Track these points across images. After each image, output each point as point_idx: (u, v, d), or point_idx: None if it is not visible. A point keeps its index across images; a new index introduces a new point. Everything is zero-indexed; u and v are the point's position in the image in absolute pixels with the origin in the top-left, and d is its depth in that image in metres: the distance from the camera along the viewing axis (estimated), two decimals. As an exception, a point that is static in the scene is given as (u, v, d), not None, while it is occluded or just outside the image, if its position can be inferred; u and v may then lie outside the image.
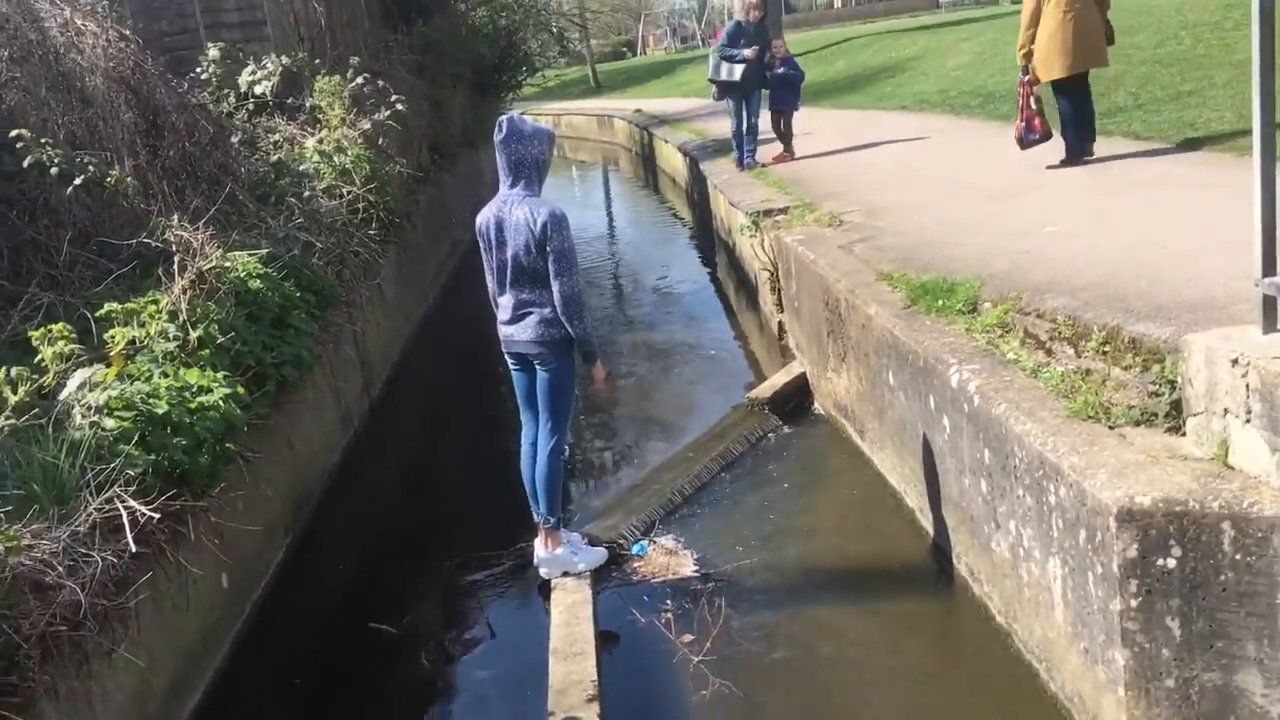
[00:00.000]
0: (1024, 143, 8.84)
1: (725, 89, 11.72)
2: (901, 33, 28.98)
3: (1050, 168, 8.57)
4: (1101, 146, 8.97)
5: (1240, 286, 3.78)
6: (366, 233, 8.60)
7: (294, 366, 6.19)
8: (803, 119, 12.92)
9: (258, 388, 5.67)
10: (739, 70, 11.27)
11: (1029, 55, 8.45)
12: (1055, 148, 8.74)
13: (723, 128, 17.65)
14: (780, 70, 11.76)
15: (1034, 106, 8.62)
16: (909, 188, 9.05)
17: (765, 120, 12.19)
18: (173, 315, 5.28)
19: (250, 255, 6.38)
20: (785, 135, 12.27)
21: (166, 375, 4.84)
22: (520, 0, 23.79)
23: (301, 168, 8.69)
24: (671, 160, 18.98)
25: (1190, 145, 8.48)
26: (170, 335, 5.17)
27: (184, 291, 5.43)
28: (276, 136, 9.42)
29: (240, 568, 5.08)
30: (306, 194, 8.21)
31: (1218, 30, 13.52)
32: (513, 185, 4.75)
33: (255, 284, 6.18)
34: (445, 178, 14.52)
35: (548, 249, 4.65)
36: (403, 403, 8.85)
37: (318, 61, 10.67)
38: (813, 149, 12.66)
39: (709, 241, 13.35)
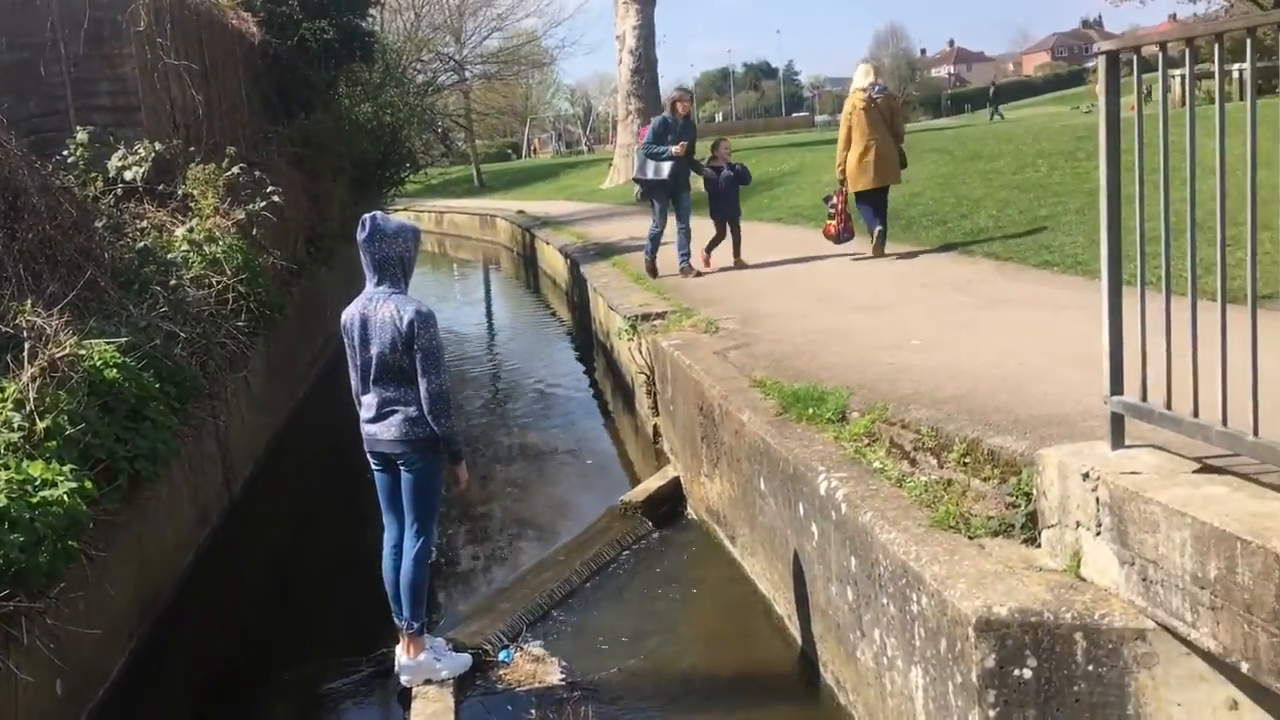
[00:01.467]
0: (838, 239, 11.05)
1: (651, 188, 11.18)
2: (779, 148, 30.05)
3: (858, 259, 10.72)
4: (968, 266, 9.39)
5: (1091, 403, 3.94)
6: (235, 324, 8.38)
7: (148, 461, 5.92)
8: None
9: (108, 482, 5.40)
10: (666, 168, 10.74)
11: (844, 172, 10.70)
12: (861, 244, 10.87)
13: (604, 231, 17.97)
14: (729, 173, 11.20)
15: (846, 211, 10.92)
16: (784, 297, 9.26)
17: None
18: (19, 404, 5.02)
19: (108, 343, 6.14)
20: (737, 241, 11.32)
21: (7, 467, 4.58)
22: (405, 99, 23.91)
23: (169, 256, 8.46)
24: (553, 262, 19.12)
25: (1046, 266, 8.91)
26: (15, 425, 4.90)
27: (33, 379, 5.18)
28: (144, 223, 9.17)
29: (77, 674, 4.76)
30: (173, 283, 7.97)
31: (1071, 159, 14.37)
32: (378, 283, 4.71)
33: (111, 373, 5.93)
34: (321, 271, 14.32)
35: (415, 346, 4.59)
36: (265, 501, 8.53)
37: (193, 149, 10.49)
38: (696, 256, 12.88)
39: (588, 343, 13.41)
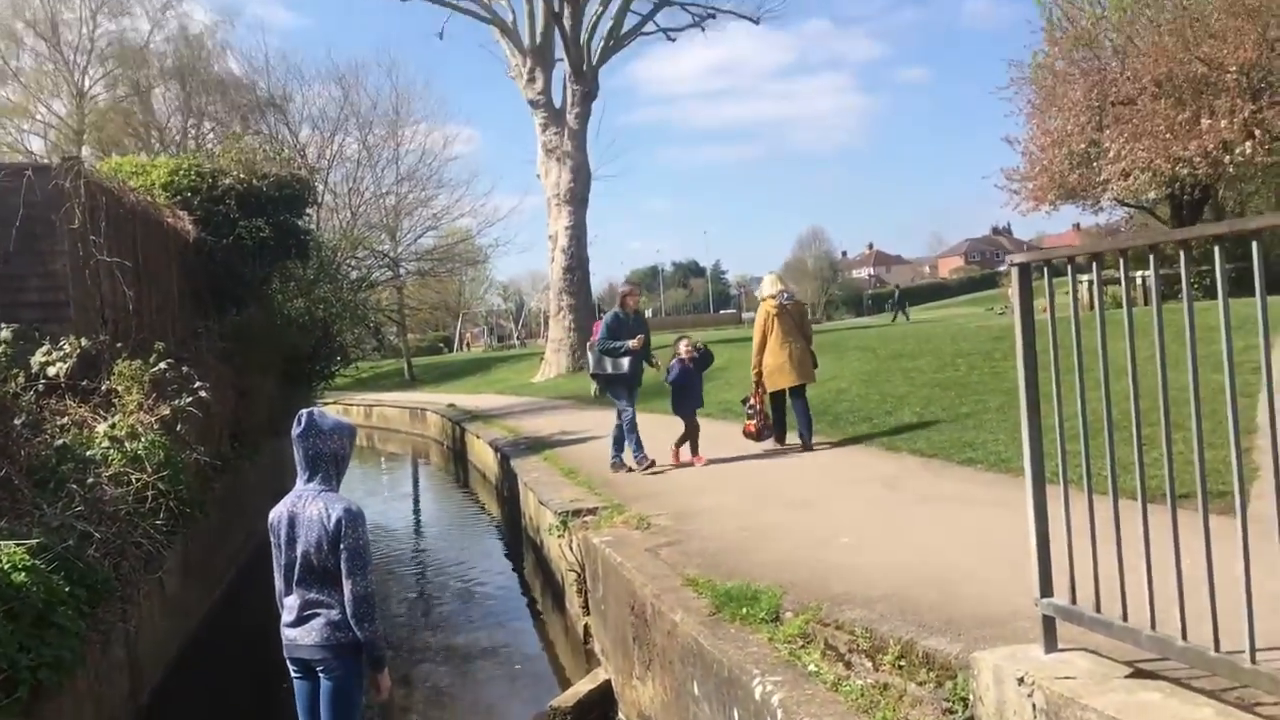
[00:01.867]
0: (758, 437, 11.56)
1: (609, 383, 11.12)
2: (708, 344, 30.58)
3: (786, 454, 11.22)
4: (895, 463, 9.53)
5: (1022, 603, 3.95)
6: (153, 522, 8.12)
7: (52, 670, 5.60)
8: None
9: (7, 693, 5.09)
10: (626, 362, 10.81)
11: (759, 373, 11.42)
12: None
13: (536, 425, 17.99)
14: (692, 363, 11.15)
15: (764, 410, 11.52)
16: (717, 493, 9.27)
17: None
18: (-84, 612, 4.76)
19: (18, 545, 5.90)
20: (695, 436, 11.10)
21: (-103, 681, 4.30)
22: (339, 294, 24.14)
23: (89, 453, 8.26)
24: (483, 456, 19.01)
25: (970, 463, 9.07)
26: (-91, 635, 4.64)
27: (-67, 585, 4.93)
28: (65, 419, 8.98)
29: None
30: (90, 480, 7.75)
31: (989, 359, 14.86)
32: (309, 480, 4.64)
33: (19, 577, 5.67)
34: (246, 465, 14.06)
35: (340, 546, 4.49)
36: (175, 711, 8.09)
37: (120, 344, 10.40)
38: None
39: (517, 539, 13.21)
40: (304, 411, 4.71)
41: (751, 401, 11.56)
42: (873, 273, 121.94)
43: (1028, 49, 31.21)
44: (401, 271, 44.22)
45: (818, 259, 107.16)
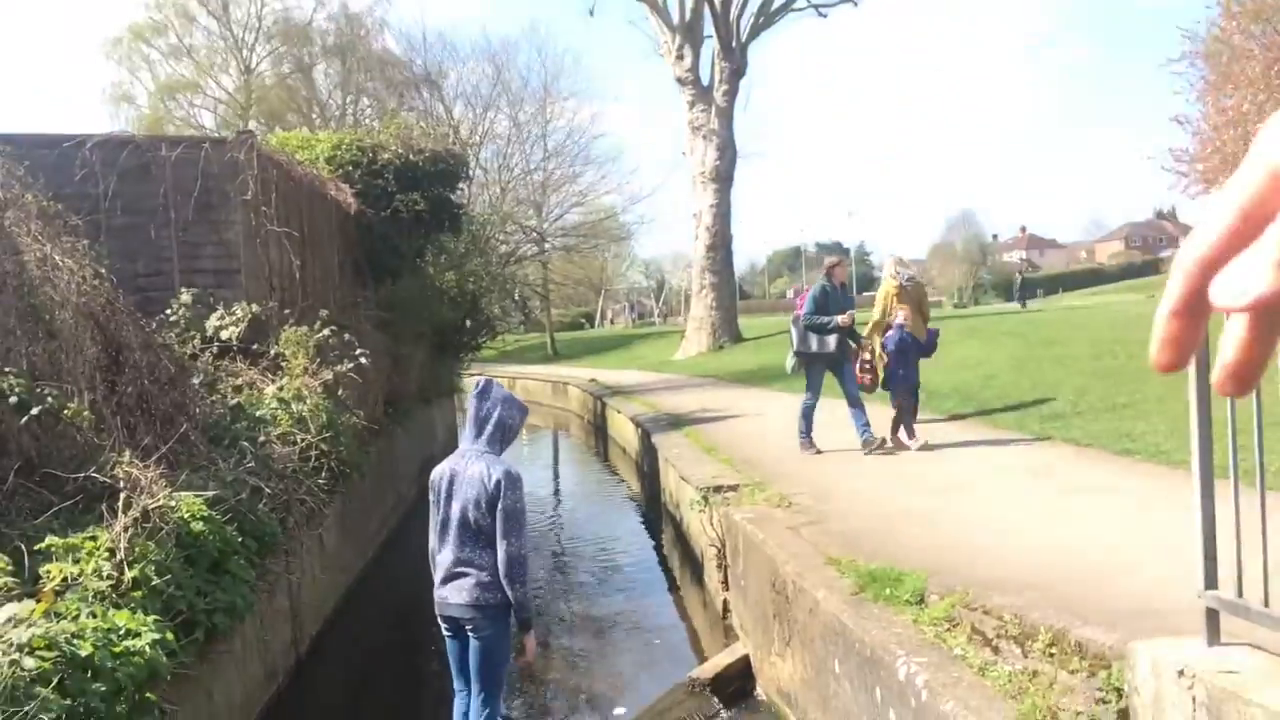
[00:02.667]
0: (871, 389, 11.25)
1: (812, 361, 10.52)
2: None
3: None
4: (1046, 451, 9.32)
5: (1181, 595, 3.85)
6: (315, 481, 8.55)
7: (226, 615, 5.99)
8: (754, 399, 13.18)
9: (186, 634, 5.46)
10: (832, 340, 10.25)
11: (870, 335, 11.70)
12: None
13: (676, 402, 18.12)
14: (910, 340, 10.52)
15: (874, 365, 11.32)
16: (857, 475, 9.22)
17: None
18: (110, 553, 5.15)
19: (196, 496, 6.31)
20: (911, 417, 10.57)
21: (95, 615, 4.67)
22: (488, 268, 24.71)
23: (259, 413, 8.72)
24: (623, 430, 19.25)
25: (1128, 454, 8.78)
26: (105, 574, 5.02)
27: (125, 530, 5.32)
28: (238, 380, 9.50)
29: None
30: (261, 439, 8.20)
31: (1147, 348, 14.26)
32: (475, 439, 4.82)
33: (198, 526, 6.07)
34: (398, 431, 14.59)
35: (499, 506, 4.66)
36: (331, 660, 8.51)
37: (287, 311, 10.93)
38: (767, 429, 12.94)
39: (656, 514, 13.37)
40: (484, 377, 4.95)
41: (865, 357, 11.16)
42: (1025, 257, 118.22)
43: (1200, 25, 29.54)
44: (547, 247, 44.97)
45: (967, 242, 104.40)
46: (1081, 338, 16.97)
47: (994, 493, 7.79)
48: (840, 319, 10.21)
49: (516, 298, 30.04)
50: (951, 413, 12.67)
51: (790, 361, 10.87)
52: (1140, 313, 22.21)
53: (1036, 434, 10.41)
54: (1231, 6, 28.14)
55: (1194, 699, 3.12)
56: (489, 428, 4.82)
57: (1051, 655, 4.14)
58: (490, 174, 40.20)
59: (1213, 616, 3.34)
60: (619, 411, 20.04)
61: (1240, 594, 3.22)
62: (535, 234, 42.89)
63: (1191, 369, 3.39)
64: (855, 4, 33.59)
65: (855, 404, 10.33)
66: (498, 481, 4.66)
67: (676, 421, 15.06)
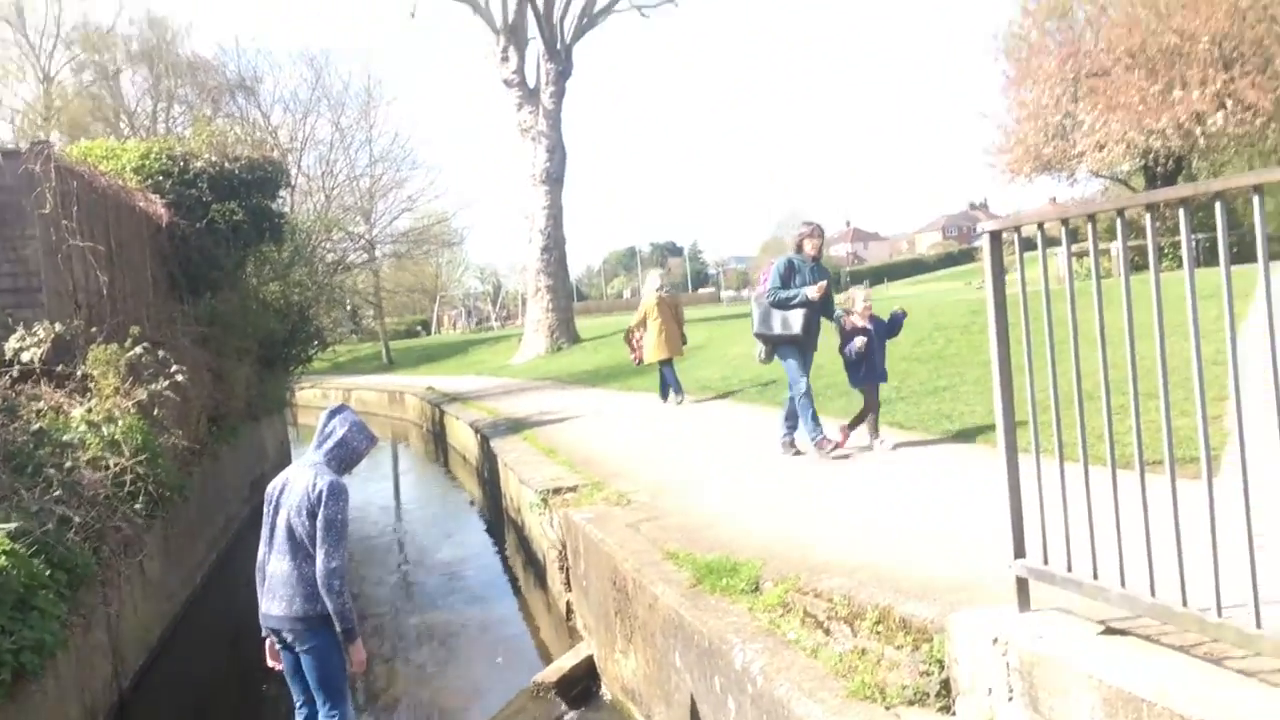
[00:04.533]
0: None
1: (779, 344, 9.18)
2: (687, 322, 30.66)
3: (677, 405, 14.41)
4: (867, 435, 9.59)
5: (998, 567, 4.00)
6: (132, 507, 8.11)
7: (34, 652, 5.61)
8: (593, 400, 13.17)
9: (-11, 678, 5.09)
10: (798, 319, 8.95)
11: (629, 338, 15.72)
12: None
13: (514, 406, 18.00)
14: (876, 327, 9.17)
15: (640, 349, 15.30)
16: (695, 467, 9.32)
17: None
18: (-105, 597, 4.75)
19: (-4, 530, 5.89)
20: (875, 413, 9.27)
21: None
22: (314, 278, 24.03)
23: (65, 438, 8.22)
24: (462, 437, 19.01)
25: (947, 435, 9.14)
26: (-112, 620, 4.63)
27: (-88, 571, 4.92)
28: (41, 404, 8.93)
29: None
30: (69, 465, 7.73)
31: (966, 333, 14.95)
32: (315, 451, 4.81)
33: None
34: (224, 450, 14.01)
35: (319, 515, 4.61)
36: (159, 693, 8.09)
37: (94, 330, 10.34)
38: (605, 429, 12.98)
39: (499, 519, 13.24)
40: (341, 403, 5.01)
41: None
42: (850, 250, 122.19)
43: (1004, 22, 31.14)
44: (377, 254, 44.02)
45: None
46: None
47: (826, 477, 7.98)
48: (810, 291, 8.90)
49: (347, 307, 29.26)
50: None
51: (758, 350, 9.53)
52: (958, 300, 23.22)
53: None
54: (1028, 4, 29.75)
55: (1008, 665, 3.25)
56: (330, 443, 4.84)
57: (879, 633, 4.25)
58: (314, 180, 39.07)
59: (1023, 585, 3.49)
60: (457, 418, 19.78)
61: (1046, 561, 3.36)
62: (364, 241, 41.92)
63: (993, 344, 3.52)
64: (675, 4, 34.08)
65: (806, 398, 9.10)
66: (320, 491, 4.64)
67: (516, 425, 14.95)
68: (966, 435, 8.93)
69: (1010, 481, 3.50)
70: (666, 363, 14.97)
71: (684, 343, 15.39)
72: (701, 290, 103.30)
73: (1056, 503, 3.30)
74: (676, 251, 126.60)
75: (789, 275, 9.07)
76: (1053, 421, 3.37)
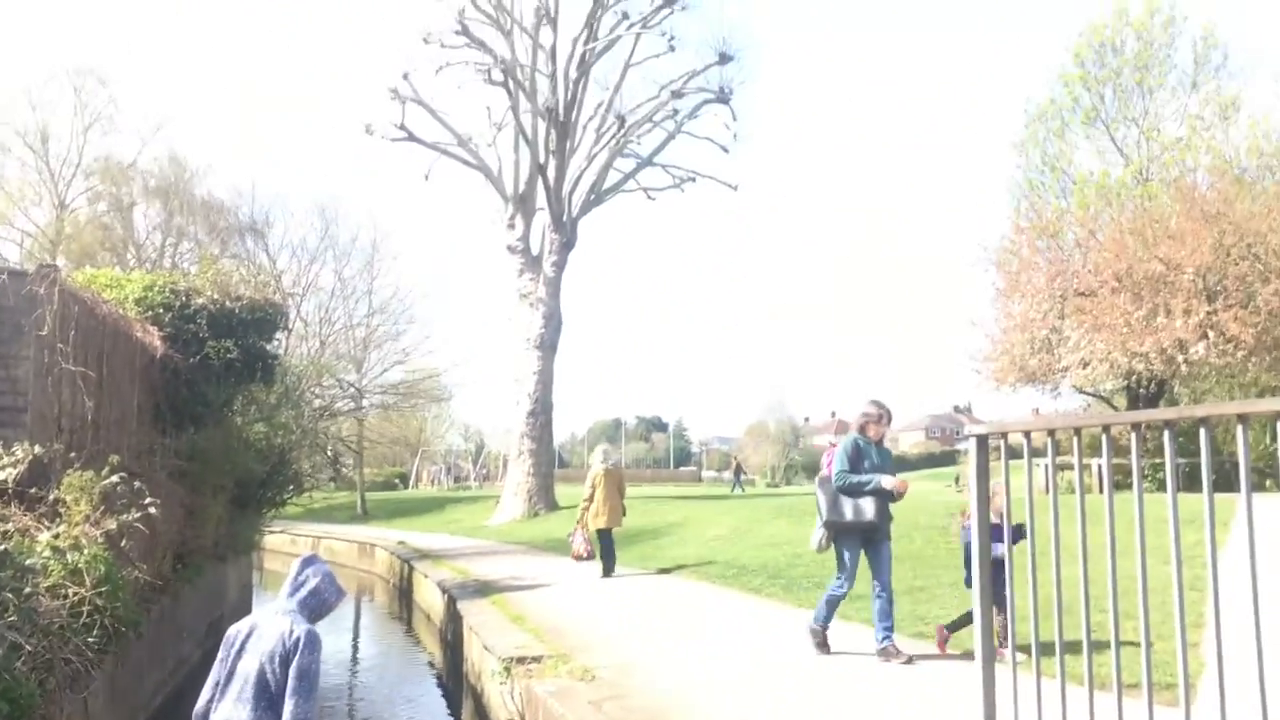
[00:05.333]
0: (583, 559, 15.97)
1: (845, 533, 8.54)
2: (667, 499, 30.57)
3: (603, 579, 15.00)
4: (839, 630, 9.48)
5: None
6: (85, 639, 7.87)
7: (-39, 787, 5.37)
8: (567, 568, 12.95)
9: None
10: (871, 507, 8.37)
11: (585, 514, 15.95)
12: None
13: (486, 568, 17.72)
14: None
15: (588, 540, 16.02)
16: (663, 648, 9.15)
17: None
18: None
19: (-58, 652, 5.71)
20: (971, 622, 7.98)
21: None
22: (300, 421, 24.01)
23: (29, 562, 8.04)
24: (429, 596, 18.63)
25: (920, 637, 9.05)
26: None
27: None
28: (9, 527, 8.78)
29: None
30: (28, 590, 7.54)
31: (944, 534, 14.92)
32: (288, 599, 4.75)
33: (-60, 686, 5.47)
34: (185, 589, 13.70)
35: (293, 663, 4.49)
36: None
37: (74, 455, 10.27)
38: (577, 599, 12.76)
39: (458, 686, 12.86)
40: (312, 553, 4.98)
41: (578, 531, 16.18)
42: (833, 440, 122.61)
43: (993, 235, 32.30)
44: (365, 403, 44.11)
45: (780, 424, 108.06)
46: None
47: (793, 670, 7.83)
48: (888, 480, 8.39)
49: (328, 453, 29.14)
50: (759, 589, 12.81)
51: (817, 535, 8.81)
52: (939, 500, 23.22)
53: (839, 615, 10.57)
54: (1020, 222, 30.85)
55: None
56: (303, 592, 4.78)
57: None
58: (311, 326, 39.55)
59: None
60: (426, 576, 19.43)
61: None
62: (353, 389, 42.07)
63: (975, 546, 3.53)
64: (682, 190, 35.23)
65: (886, 596, 8.45)
66: (298, 639, 4.54)
67: (484, 588, 14.70)
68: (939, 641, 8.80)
69: (985, 694, 3.46)
70: (606, 532, 15.65)
71: (623, 514, 16.18)
72: (682, 468, 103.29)
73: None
74: (662, 427, 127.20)
75: (857, 459, 8.59)
76: (1031, 635, 3.36)
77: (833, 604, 8.76)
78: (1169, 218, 26.44)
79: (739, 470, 54.08)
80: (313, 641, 4.58)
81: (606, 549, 15.57)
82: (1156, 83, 33.26)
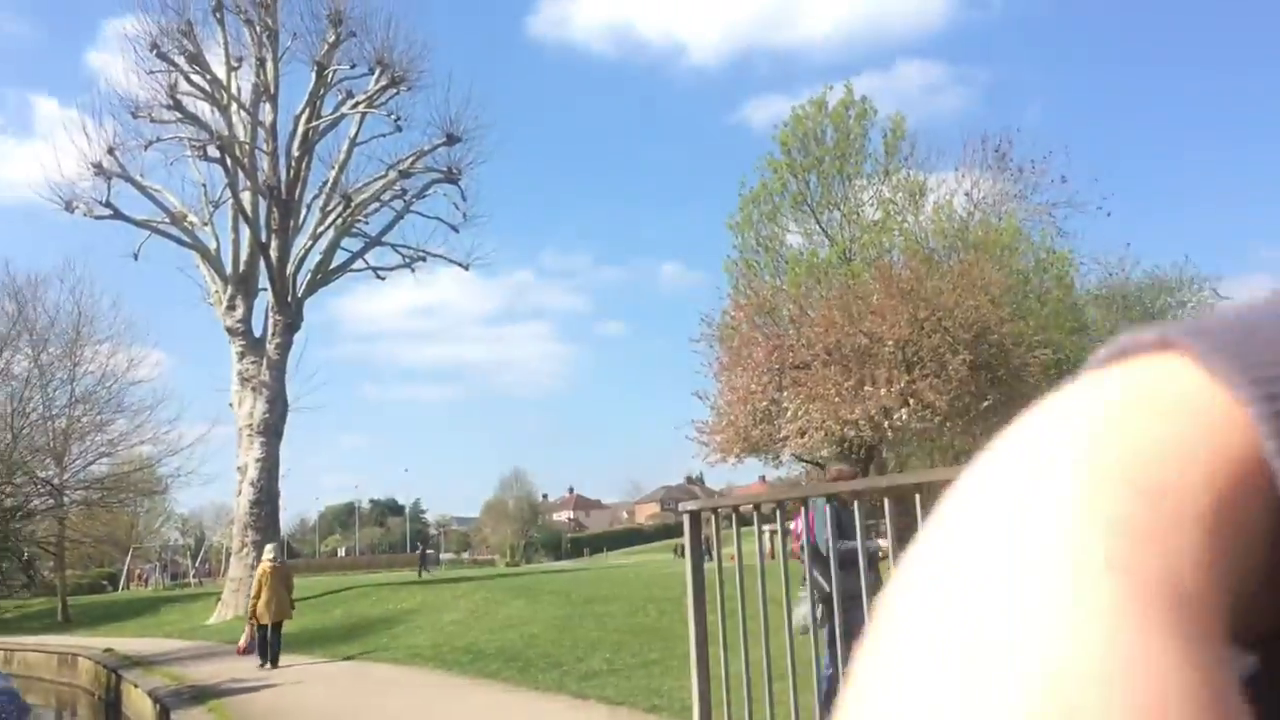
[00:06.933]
0: (248, 652, 17.27)
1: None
2: (400, 585, 29.70)
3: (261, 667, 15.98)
4: (580, 712, 9.47)
5: None
6: None
7: None
8: (293, 667, 12.29)
9: None
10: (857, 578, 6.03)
11: (254, 609, 17.01)
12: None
13: (205, 672, 16.55)
14: None
15: (253, 633, 17.49)
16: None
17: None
18: None
19: None
20: None
21: None
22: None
23: None
24: (140, 707, 17.16)
25: (656, 710, 9.15)
26: None
27: None
28: None
29: None
30: None
31: (678, 605, 15.20)
32: None
33: None
34: None
35: None
36: None
37: None
38: (303, 699, 12.11)
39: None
40: None
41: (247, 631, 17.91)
42: (572, 516, 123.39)
43: (718, 312, 33.75)
44: (66, 500, 40.48)
45: (518, 501, 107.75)
46: (620, 595, 17.76)
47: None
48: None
49: (20, 559, 26.57)
50: (496, 674, 12.61)
51: (801, 613, 6.71)
52: (673, 571, 23.73)
53: (574, 693, 10.57)
54: (740, 299, 32.44)
55: None
56: None
57: None
58: (2, 419, 36.11)
59: None
60: (136, 685, 17.92)
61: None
62: (51, 486, 38.61)
63: (691, 625, 3.62)
64: (413, 270, 34.87)
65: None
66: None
67: (202, 694, 13.73)
68: (674, 712, 8.95)
69: (705, 763, 3.53)
70: (276, 626, 16.77)
71: (292, 608, 17.58)
72: (416, 551, 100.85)
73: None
74: (398, 510, 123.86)
75: (846, 520, 6.61)
76: (745, 701, 3.47)
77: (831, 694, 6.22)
78: (871, 294, 28.51)
79: (424, 554, 54.03)
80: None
81: (274, 642, 16.71)
82: (854, 170, 35.99)
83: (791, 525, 7.15)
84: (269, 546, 19.05)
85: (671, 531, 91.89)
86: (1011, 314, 29.24)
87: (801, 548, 6.58)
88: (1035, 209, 35.83)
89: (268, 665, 16.30)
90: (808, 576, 6.39)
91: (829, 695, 5.88)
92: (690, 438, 31.88)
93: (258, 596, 17.04)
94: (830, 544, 6.34)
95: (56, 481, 39.00)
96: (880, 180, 35.92)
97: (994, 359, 28.05)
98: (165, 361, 79.10)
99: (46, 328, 39.99)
